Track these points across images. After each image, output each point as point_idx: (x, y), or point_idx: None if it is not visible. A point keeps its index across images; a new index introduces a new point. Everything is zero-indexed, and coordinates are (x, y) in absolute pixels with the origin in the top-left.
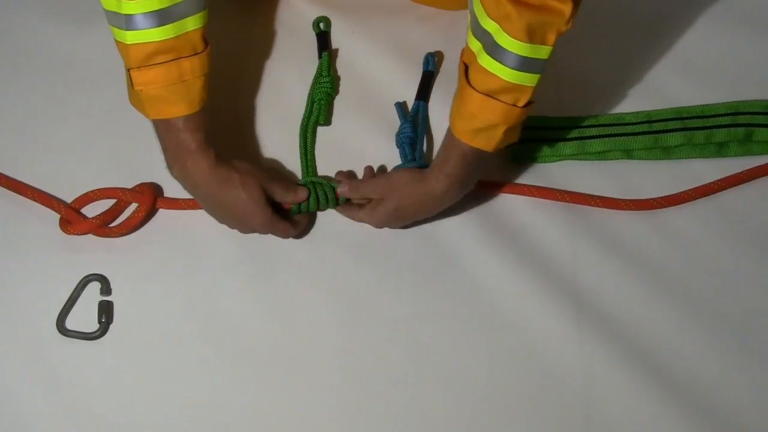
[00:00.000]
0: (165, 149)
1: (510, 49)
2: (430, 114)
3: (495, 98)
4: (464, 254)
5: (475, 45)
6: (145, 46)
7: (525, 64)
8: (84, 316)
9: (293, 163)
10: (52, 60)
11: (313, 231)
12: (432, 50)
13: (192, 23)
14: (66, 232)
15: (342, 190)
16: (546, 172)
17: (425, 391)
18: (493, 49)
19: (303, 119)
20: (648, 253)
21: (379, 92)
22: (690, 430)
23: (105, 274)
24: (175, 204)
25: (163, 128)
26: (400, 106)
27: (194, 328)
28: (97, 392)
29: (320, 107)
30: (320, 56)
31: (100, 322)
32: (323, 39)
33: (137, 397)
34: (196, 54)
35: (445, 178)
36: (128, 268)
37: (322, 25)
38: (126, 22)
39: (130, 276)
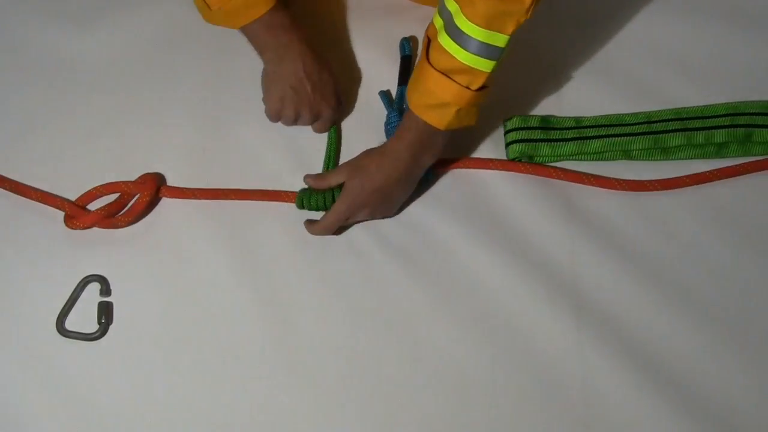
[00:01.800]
0: (253, 39)
1: (467, 32)
2: None
3: (449, 77)
4: (462, 251)
5: (438, 22)
6: None
7: (481, 49)
8: (84, 317)
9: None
10: (52, 60)
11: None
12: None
13: None
14: (71, 227)
15: (307, 181)
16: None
17: (424, 391)
18: (452, 30)
19: None
20: (648, 248)
21: (374, 101)
22: (689, 429)
23: (104, 274)
24: (179, 193)
25: (253, 30)
26: (385, 95)
27: (194, 328)
28: (97, 393)
29: None
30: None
31: (99, 322)
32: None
33: (137, 398)
34: None
35: (402, 143)
36: (128, 269)
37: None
38: None
39: (130, 277)
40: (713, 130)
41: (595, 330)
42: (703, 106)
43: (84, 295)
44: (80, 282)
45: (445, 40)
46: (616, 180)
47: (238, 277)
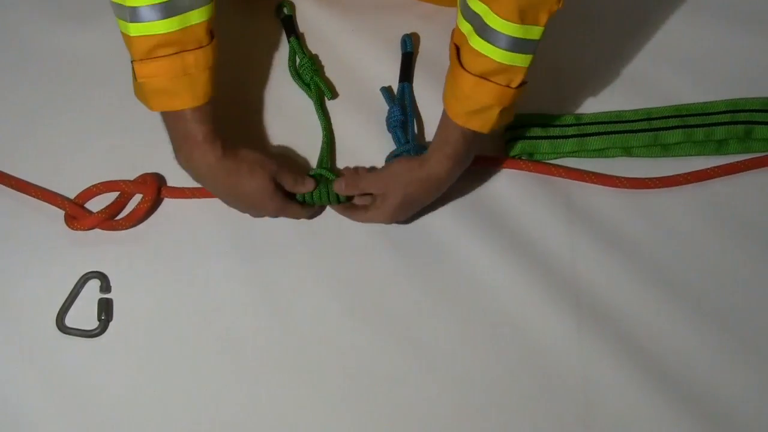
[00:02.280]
0: (172, 139)
1: (501, 30)
2: (415, 94)
3: (488, 80)
4: (462, 249)
5: (465, 27)
6: (149, 39)
7: (517, 45)
8: (84, 314)
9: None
10: (51, 57)
11: (314, 229)
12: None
13: (197, 16)
14: (72, 228)
15: (338, 186)
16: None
17: (423, 390)
18: (484, 31)
19: (315, 102)
20: (648, 246)
21: (374, 102)
22: (689, 429)
23: (105, 271)
24: (180, 193)
25: (170, 120)
26: (386, 91)
27: (194, 326)
28: (97, 390)
29: (317, 84)
30: (289, 41)
31: (99, 319)
32: (289, 23)
33: (137, 395)
34: (201, 47)
35: (446, 160)
36: (128, 266)
37: (285, 10)
38: (130, 14)
39: (130, 273)
40: (713, 127)
41: (595, 328)
42: (703, 102)
43: (84, 291)
44: (80, 279)
45: (477, 43)
46: (617, 178)
47: (239, 274)
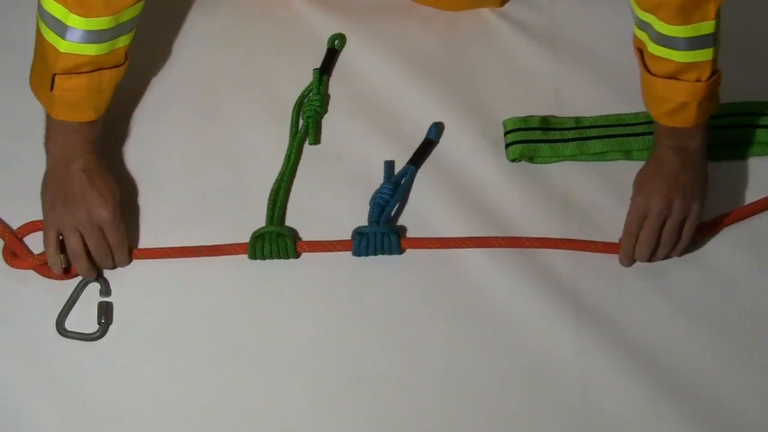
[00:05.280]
0: (54, 131)
1: (673, 35)
2: (416, 179)
3: (677, 79)
4: (461, 251)
5: (642, 35)
6: (77, 58)
7: (694, 44)
8: (84, 317)
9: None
10: None
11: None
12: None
13: (123, 40)
14: (9, 265)
15: (621, 250)
16: (545, 173)
17: (423, 392)
18: (659, 38)
19: (290, 140)
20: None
21: (374, 102)
22: (689, 429)
23: (105, 275)
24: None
25: (59, 125)
26: (388, 166)
27: (194, 329)
28: (97, 393)
29: (308, 125)
30: (321, 72)
31: (99, 323)
32: (331, 56)
33: (137, 398)
34: (117, 66)
35: (673, 153)
36: (128, 270)
37: (336, 43)
38: (65, 32)
39: (130, 277)
40: (714, 131)
41: (594, 329)
42: None
43: (84, 295)
44: (80, 282)
45: (655, 49)
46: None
47: (239, 277)
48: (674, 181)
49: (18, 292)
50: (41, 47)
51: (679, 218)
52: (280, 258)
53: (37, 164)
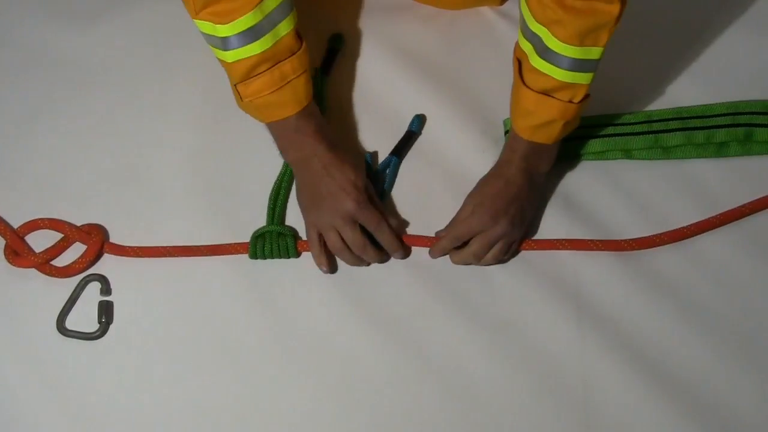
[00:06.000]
0: (279, 138)
1: (561, 53)
2: (400, 171)
3: (551, 96)
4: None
5: (526, 46)
6: (246, 62)
7: (577, 65)
8: (84, 316)
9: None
10: (50, 59)
11: None
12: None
13: (285, 27)
14: (10, 263)
15: (438, 245)
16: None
17: (423, 392)
18: (544, 52)
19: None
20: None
21: (374, 102)
22: (689, 429)
23: (105, 274)
24: (122, 251)
25: (277, 127)
26: (370, 157)
27: (194, 328)
28: (97, 392)
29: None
30: (321, 72)
31: (100, 322)
32: (331, 56)
33: (137, 397)
34: (294, 54)
35: (517, 169)
36: (128, 269)
37: (337, 43)
38: (223, 43)
39: (130, 276)
40: (714, 130)
41: (595, 329)
42: (704, 105)
43: (84, 294)
44: (81, 281)
45: (538, 63)
46: (594, 241)
47: (239, 277)
48: (518, 207)
49: (19, 290)
50: (222, 66)
51: (511, 242)
52: (280, 257)
53: (38, 164)
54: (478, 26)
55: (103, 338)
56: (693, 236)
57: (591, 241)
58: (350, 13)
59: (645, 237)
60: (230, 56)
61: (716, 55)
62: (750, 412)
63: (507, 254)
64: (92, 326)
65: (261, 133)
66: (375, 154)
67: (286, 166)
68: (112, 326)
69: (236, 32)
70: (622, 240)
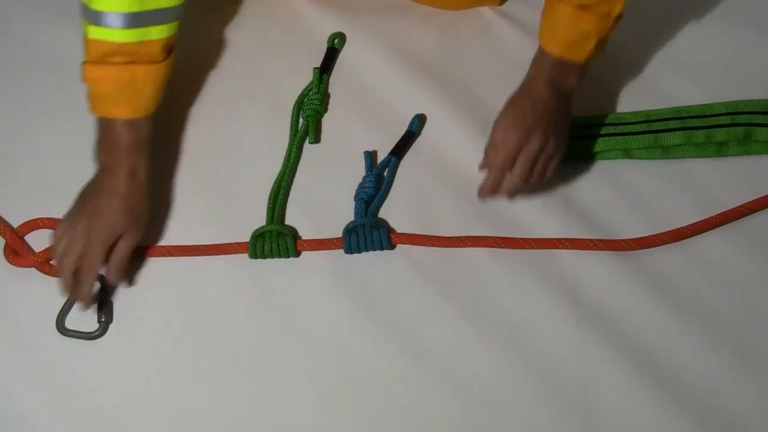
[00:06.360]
0: (97, 134)
1: None
2: (399, 171)
3: (588, 9)
4: (461, 250)
5: None
6: (104, 44)
7: None
8: (83, 316)
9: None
10: (49, 60)
11: (311, 233)
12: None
13: (156, 33)
14: (10, 263)
15: (487, 182)
16: None
17: (424, 392)
18: None
19: (290, 139)
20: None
21: (374, 102)
22: (689, 429)
23: (104, 273)
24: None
25: (102, 125)
26: (369, 156)
27: (194, 328)
28: (97, 391)
29: (308, 124)
30: (321, 71)
31: (99, 321)
32: (331, 55)
33: (137, 397)
34: (153, 63)
35: (544, 86)
36: (128, 267)
37: (336, 42)
38: (93, 17)
39: (130, 275)
40: (713, 129)
41: (595, 328)
42: (703, 104)
43: None
44: None
45: None
46: (593, 240)
47: (240, 277)
48: (551, 120)
49: (19, 290)
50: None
51: (550, 155)
52: (280, 257)
53: (38, 163)
54: (477, 26)
55: (102, 338)
56: (693, 236)
57: (591, 240)
58: (350, 13)
59: (645, 237)
60: (93, 32)
61: (716, 55)
62: (750, 411)
63: (549, 169)
64: (92, 326)
65: (261, 133)
66: (374, 154)
67: (285, 166)
68: (111, 326)
69: (108, 10)
70: (622, 240)
